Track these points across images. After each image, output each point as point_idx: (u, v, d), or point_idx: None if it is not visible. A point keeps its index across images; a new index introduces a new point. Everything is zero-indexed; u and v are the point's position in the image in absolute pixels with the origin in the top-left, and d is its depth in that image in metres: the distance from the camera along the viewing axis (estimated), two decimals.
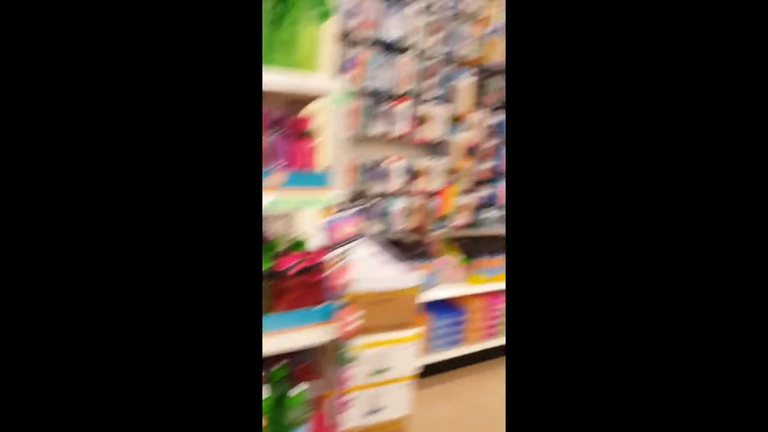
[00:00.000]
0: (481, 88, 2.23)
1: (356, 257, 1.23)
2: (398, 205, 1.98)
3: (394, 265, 1.35)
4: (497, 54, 2.09)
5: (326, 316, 1.02)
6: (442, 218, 2.17)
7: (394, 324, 1.26)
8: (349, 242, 1.04)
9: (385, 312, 1.23)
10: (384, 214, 1.93)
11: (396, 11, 1.75)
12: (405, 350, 1.28)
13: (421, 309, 2.04)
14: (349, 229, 1.05)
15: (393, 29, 1.75)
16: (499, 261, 2.17)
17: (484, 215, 2.27)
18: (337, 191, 1.30)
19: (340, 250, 1.03)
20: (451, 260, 2.17)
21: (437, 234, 2.15)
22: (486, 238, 2.42)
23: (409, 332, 1.29)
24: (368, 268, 1.26)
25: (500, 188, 2.29)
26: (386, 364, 1.25)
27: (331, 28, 1.56)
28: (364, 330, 1.19)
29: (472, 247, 2.22)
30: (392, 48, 1.80)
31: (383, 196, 1.96)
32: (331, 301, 1.03)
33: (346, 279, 1.05)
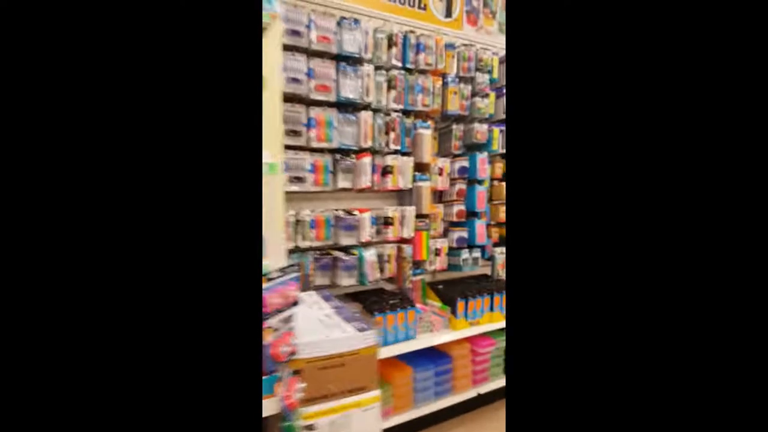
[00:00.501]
0: (442, 136, 2.29)
1: (303, 321, 1.22)
2: (370, 255, 1.99)
3: (350, 324, 1.34)
4: (454, 104, 2.16)
5: (266, 389, 1.00)
6: (418, 264, 2.16)
7: (351, 388, 1.23)
8: (289, 308, 1.04)
9: (340, 376, 1.21)
10: (356, 266, 1.93)
11: (352, 72, 1.84)
12: (365, 414, 1.24)
13: (402, 361, 1.99)
14: (288, 294, 1.06)
15: (350, 90, 1.84)
16: (480, 303, 2.12)
17: (462, 257, 2.26)
18: (272, 258, 1.32)
19: (279, 317, 1.03)
20: (432, 306, 2.14)
21: (415, 281, 2.13)
22: (465, 281, 2.39)
23: (369, 394, 1.26)
24: (320, 330, 1.25)
25: (477, 227, 2.29)
26: (345, 431, 1.21)
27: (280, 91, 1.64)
28: (317, 397, 1.16)
29: (451, 292, 2.19)
30: (351, 105, 1.89)
31: (353, 247, 1.97)
32: (273, 371, 1.02)
33: (288, 347, 1.04)
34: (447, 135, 2.29)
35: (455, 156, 2.26)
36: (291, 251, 1.80)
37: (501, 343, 2.20)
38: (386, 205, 2.13)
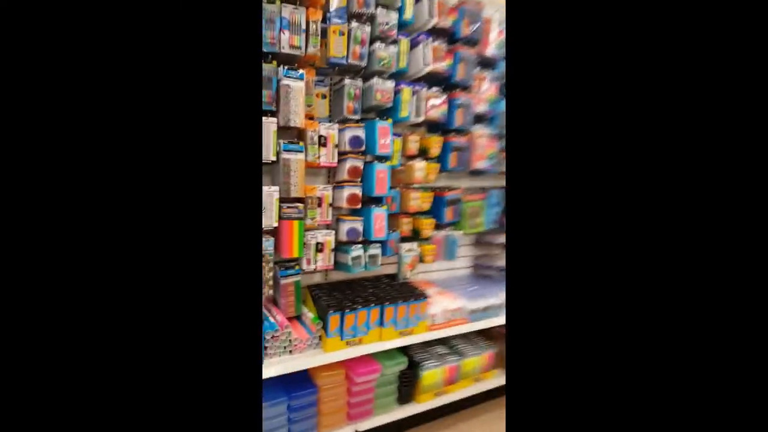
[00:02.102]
0: (335, 94, 1.73)
1: None
2: None
3: None
4: (339, 49, 1.59)
5: None
6: (287, 263, 1.65)
7: None
8: None
9: None
10: None
11: None
12: None
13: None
14: None
15: None
16: (364, 317, 1.62)
17: (351, 255, 1.74)
18: None
19: None
20: (306, 319, 1.64)
21: (284, 284, 1.62)
22: (362, 284, 1.88)
23: None
24: None
25: (374, 217, 1.77)
26: None
27: None
28: None
29: (333, 300, 1.69)
30: None
31: None
32: None
33: None
34: (339, 93, 1.72)
35: (346, 121, 1.71)
36: None
37: (389, 368, 1.72)
38: None
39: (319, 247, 1.70)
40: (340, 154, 1.71)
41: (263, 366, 1.44)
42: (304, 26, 1.50)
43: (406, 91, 1.77)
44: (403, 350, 1.84)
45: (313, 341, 1.57)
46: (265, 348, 1.48)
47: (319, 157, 1.64)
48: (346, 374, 1.64)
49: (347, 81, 1.67)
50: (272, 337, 1.49)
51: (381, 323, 1.67)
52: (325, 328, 1.58)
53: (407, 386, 1.81)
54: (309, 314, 1.65)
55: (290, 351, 1.53)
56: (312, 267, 1.70)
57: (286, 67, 1.50)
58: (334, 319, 1.57)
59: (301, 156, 1.57)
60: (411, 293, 1.78)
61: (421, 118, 1.84)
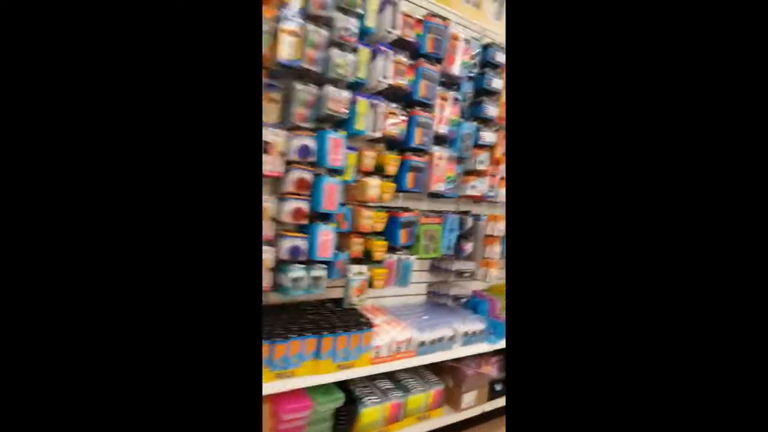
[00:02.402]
0: (287, 98, 1.59)
1: None
2: None
3: None
4: (291, 51, 1.47)
5: None
6: None
7: None
8: None
9: None
10: None
11: None
12: None
13: None
14: None
15: None
16: (298, 347, 1.45)
17: (291, 276, 1.57)
18: None
19: None
20: None
21: None
22: (300, 308, 1.71)
23: None
24: None
25: (319, 235, 1.61)
26: None
27: None
28: None
29: (266, 326, 1.50)
30: None
31: None
32: None
33: None
34: (290, 98, 1.59)
35: (296, 129, 1.57)
36: None
37: (323, 405, 1.53)
38: None
39: None
40: (287, 163, 1.57)
41: None
42: None
43: (363, 103, 1.66)
44: (343, 385, 1.67)
45: None
46: None
47: (261, 165, 1.48)
48: (272, 410, 1.44)
49: (299, 86, 1.54)
50: None
51: (317, 355, 1.50)
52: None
53: (344, 425, 1.62)
54: None
55: None
56: None
57: None
58: (264, 348, 1.38)
59: None
60: (355, 322, 1.62)
61: (379, 134, 1.73)
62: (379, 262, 1.85)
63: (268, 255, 1.54)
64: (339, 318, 1.64)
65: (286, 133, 1.53)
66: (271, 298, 1.74)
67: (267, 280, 1.55)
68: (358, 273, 1.78)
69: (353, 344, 1.57)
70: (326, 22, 1.53)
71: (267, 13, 1.40)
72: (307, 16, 1.50)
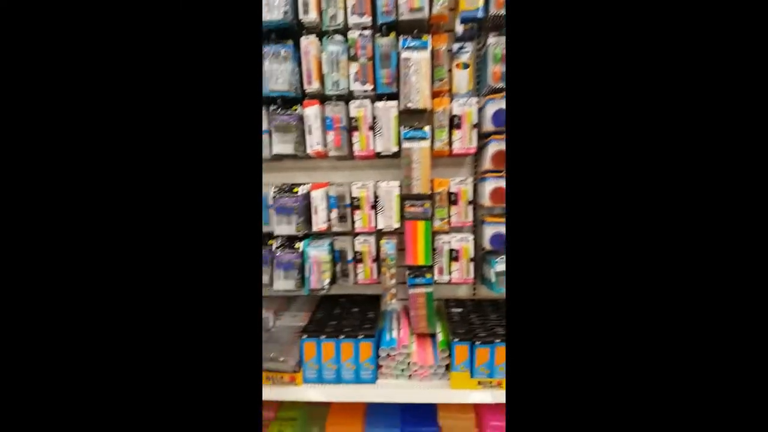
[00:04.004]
0: (478, 63, 1.33)
1: None
2: (319, 251, 1.40)
3: None
4: (464, 3, 1.19)
5: None
6: (417, 271, 1.41)
7: None
8: None
9: None
10: (296, 266, 1.39)
11: None
12: None
13: (355, 413, 1.35)
14: None
15: (274, 7, 1.23)
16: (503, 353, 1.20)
17: (495, 269, 1.33)
18: None
19: None
20: (437, 340, 1.38)
21: (415, 294, 1.40)
22: (501, 307, 1.42)
23: None
24: None
25: None
26: None
27: None
28: None
29: (462, 324, 1.35)
30: (280, 31, 1.28)
31: (303, 237, 1.42)
32: None
33: None
34: (483, 57, 1.33)
35: (492, 92, 1.29)
36: None
37: None
38: (362, 179, 1.43)
39: (454, 255, 1.38)
40: (482, 136, 1.33)
41: (372, 386, 1.26)
42: None
43: None
44: None
45: (439, 371, 1.28)
46: (380, 366, 1.29)
47: (450, 143, 1.31)
48: (478, 422, 1.27)
49: (491, 39, 1.26)
50: (387, 355, 1.28)
51: None
52: (450, 358, 1.26)
53: None
54: (440, 336, 1.36)
55: (409, 376, 1.29)
56: (446, 278, 1.40)
57: (407, 37, 1.24)
58: (460, 350, 1.23)
59: (425, 144, 1.28)
60: None
61: None
62: None
63: (465, 244, 1.36)
64: None
65: (476, 100, 1.29)
66: (482, 292, 1.55)
67: (468, 272, 1.38)
68: None
69: None
70: None
71: None
72: None
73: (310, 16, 1.23)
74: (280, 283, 1.38)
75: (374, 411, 1.38)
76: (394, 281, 1.39)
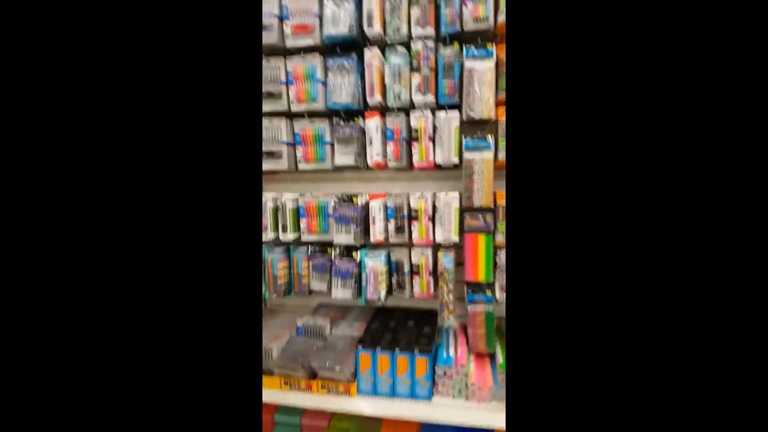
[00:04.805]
0: None
1: None
2: (375, 262, 1.39)
3: None
4: None
5: None
6: (476, 287, 1.35)
7: None
8: None
9: None
10: (353, 275, 1.39)
11: None
12: None
13: None
14: None
15: (340, 21, 1.27)
16: None
17: None
18: None
19: None
20: (497, 361, 1.31)
21: (475, 312, 1.35)
22: None
23: None
24: None
25: None
26: None
27: None
28: None
29: None
30: (345, 44, 1.32)
31: (361, 247, 1.42)
32: None
33: None
34: None
35: None
36: (275, 243, 1.48)
37: None
38: (420, 190, 1.41)
39: None
40: None
41: (428, 403, 1.22)
42: None
43: None
44: None
45: (499, 393, 1.21)
46: (435, 384, 1.25)
47: None
48: None
49: None
50: (444, 373, 1.24)
51: None
52: None
53: None
54: (500, 357, 1.29)
55: (466, 396, 1.23)
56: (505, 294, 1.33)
57: (470, 46, 1.22)
58: None
59: (488, 154, 1.24)
60: None
61: None
62: None
63: None
64: None
65: None
66: None
67: None
68: None
69: None
70: None
71: None
72: None
73: (374, 29, 1.25)
74: (338, 291, 1.39)
75: (428, 431, 1.33)
76: (451, 297, 1.34)
